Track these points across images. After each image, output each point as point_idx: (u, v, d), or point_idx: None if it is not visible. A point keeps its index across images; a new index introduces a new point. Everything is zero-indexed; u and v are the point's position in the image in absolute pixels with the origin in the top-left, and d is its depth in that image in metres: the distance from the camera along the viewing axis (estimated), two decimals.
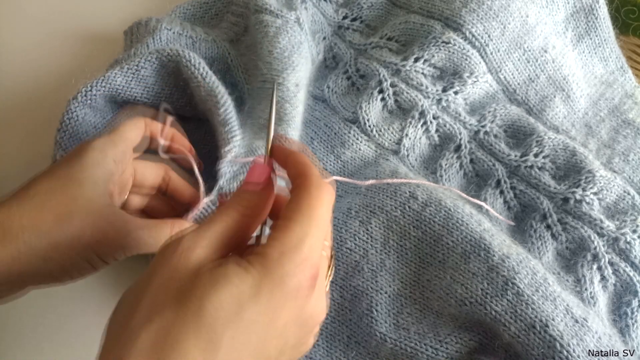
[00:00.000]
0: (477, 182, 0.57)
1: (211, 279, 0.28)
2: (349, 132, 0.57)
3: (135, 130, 0.43)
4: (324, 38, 0.64)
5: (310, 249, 0.30)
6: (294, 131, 0.53)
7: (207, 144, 0.53)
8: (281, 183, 0.35)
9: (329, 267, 0.36)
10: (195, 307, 0.27)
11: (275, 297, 0.29)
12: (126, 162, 0.42)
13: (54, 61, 0.67)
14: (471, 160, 0.57)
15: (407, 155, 0.57)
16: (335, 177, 0.46)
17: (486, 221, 0.49)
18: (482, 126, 0.58)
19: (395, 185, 0.51)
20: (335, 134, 0.57)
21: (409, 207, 0.50)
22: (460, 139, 0.57)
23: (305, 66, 0.57)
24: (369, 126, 0.57)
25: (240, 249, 0.33)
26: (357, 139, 0.57)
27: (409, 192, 0.50)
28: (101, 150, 0.40)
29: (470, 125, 0.58)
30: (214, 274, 0.28)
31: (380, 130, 0.57)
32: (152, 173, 0.46)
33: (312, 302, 0.31)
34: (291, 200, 0.32)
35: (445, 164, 0.57)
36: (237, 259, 0.29)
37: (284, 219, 0.31)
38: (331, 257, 0.36)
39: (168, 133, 0.46)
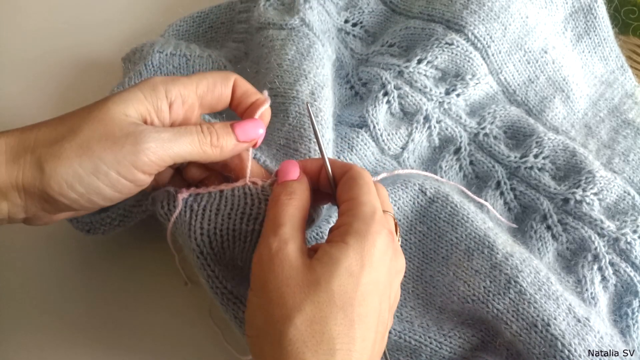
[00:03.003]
0: (477, 183, 0.57)
1: (324, 268, 0.33)
2: (358, 137, 0.56)
3: (217, 81, 0.42)
4: (332, 38, 0.64)
5: (381, 214, 0.36)
6: (325, 130, 0.51)
7: None
8: None
9: (396, 227, 0.40)
10: (326, 297, 0.32)
11: (374, 262, 0.34)
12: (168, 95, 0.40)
13: (48, 85, 0.66)
14: (471, 162, 0.57)
15: (408, 158, 0.57)
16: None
17: (489, 220, 0.49)
18: (482, 128, 0.58)
19: (405, 177, 0.51)
20: (342, 139, 0.56)
21: (418, 202, 0.50)
22: (460, 142, 0.57)
23: (320, 68, 0.55)
24: (378, 130, 0.56)
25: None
26: (365, 144, 0.56)
27: (419, 184, 0.50)
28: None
29: (470, 127, 0.58)
30: (324, 262, 0.34)
31: (389, 135, 0.57)
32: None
33: (397, 256, 0.38)
34: (348, 184, 0.38)
35: (445, 166, 0.57)
36: (332, 242, 0.35)
37: (351, 199, 0.37)
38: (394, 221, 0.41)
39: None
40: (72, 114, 0.38)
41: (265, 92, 0.43)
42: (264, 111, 0.42)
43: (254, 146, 0.42)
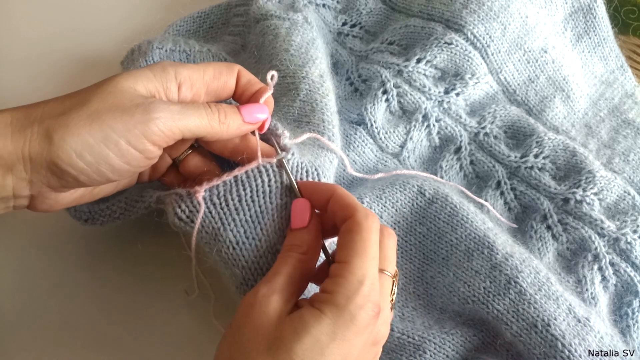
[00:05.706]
0: (477, 183, 0.57)
1: (292, 328, 0.33)
2: (355, 134, 0.56)
3: (223, 71, 0.43)
4: (327, 44, 0.64)
5: (371, 286, 0.34)
6: (329, 118, 0.51)
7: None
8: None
9: (393, 286, 0.38)
10: (286, 357, 0.32)
11: (349, 336, 0.33)
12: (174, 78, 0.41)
13: (48, 85, 0.66)
14: (471, 162, 0.57)
15: (408, 157, 0.57)
16: (349, 170, 0.47)
17: (489, 220, 0.49)
18: (482, 127, 0.58)
19: (404, 178, 0.51)
20: (340, 135, 0.56)
21: (417, 203, 0.50)
22: (461, 141, 0.57)
23: (325, 59, 0.56)
24: (376, 128, 0.56)
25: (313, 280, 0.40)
26: (363, 142, 0.56)
27: (418, 186, 0.50)
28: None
29: (470, 127, 0.58)
30: (295, 323, 0.33)
31: (387, 133, 0.57)
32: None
33: (377, 328, 0.36)
34: (345, 240, 0.36)
35: (446, 166, 0.57)
36: (309, 306, 0.34)
37: (344, 261, 0.35)
38: (394, 275, 0.39)
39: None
40: (79, 90, 0.38)
41: (269, 73, 0.43)
42: (268, 99, 0.43)
43: (260, 130, 0.43)
